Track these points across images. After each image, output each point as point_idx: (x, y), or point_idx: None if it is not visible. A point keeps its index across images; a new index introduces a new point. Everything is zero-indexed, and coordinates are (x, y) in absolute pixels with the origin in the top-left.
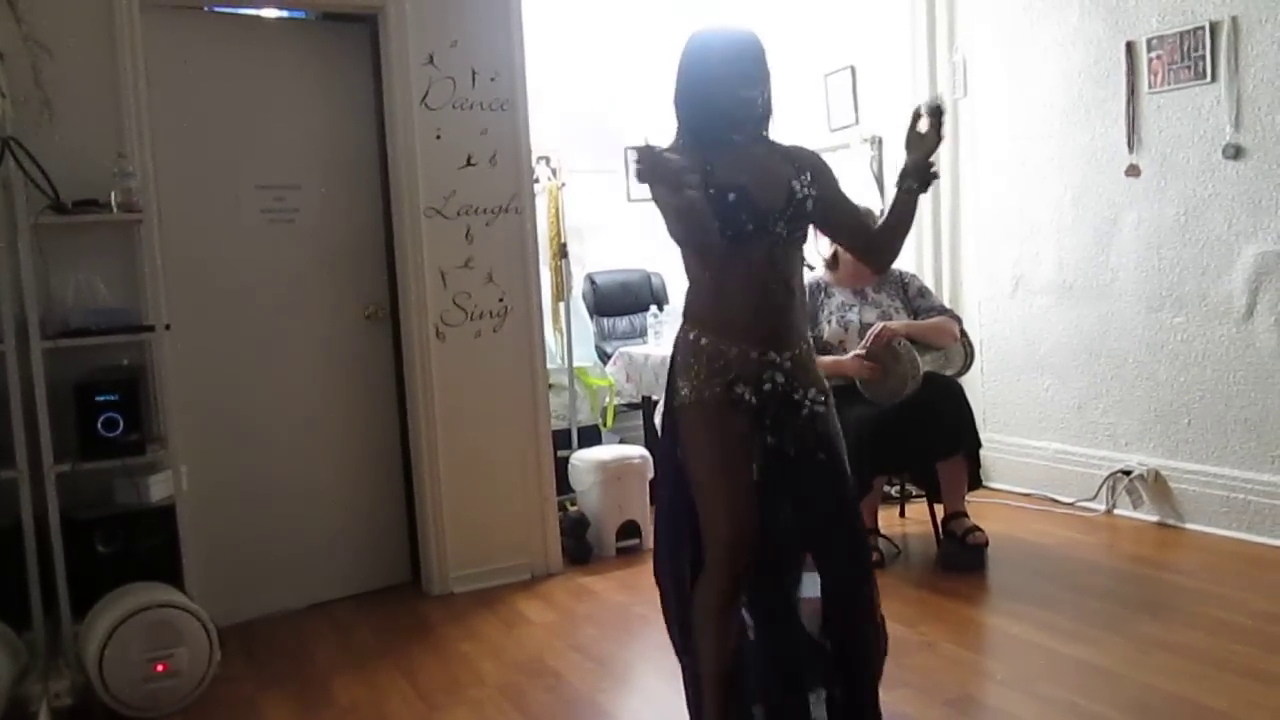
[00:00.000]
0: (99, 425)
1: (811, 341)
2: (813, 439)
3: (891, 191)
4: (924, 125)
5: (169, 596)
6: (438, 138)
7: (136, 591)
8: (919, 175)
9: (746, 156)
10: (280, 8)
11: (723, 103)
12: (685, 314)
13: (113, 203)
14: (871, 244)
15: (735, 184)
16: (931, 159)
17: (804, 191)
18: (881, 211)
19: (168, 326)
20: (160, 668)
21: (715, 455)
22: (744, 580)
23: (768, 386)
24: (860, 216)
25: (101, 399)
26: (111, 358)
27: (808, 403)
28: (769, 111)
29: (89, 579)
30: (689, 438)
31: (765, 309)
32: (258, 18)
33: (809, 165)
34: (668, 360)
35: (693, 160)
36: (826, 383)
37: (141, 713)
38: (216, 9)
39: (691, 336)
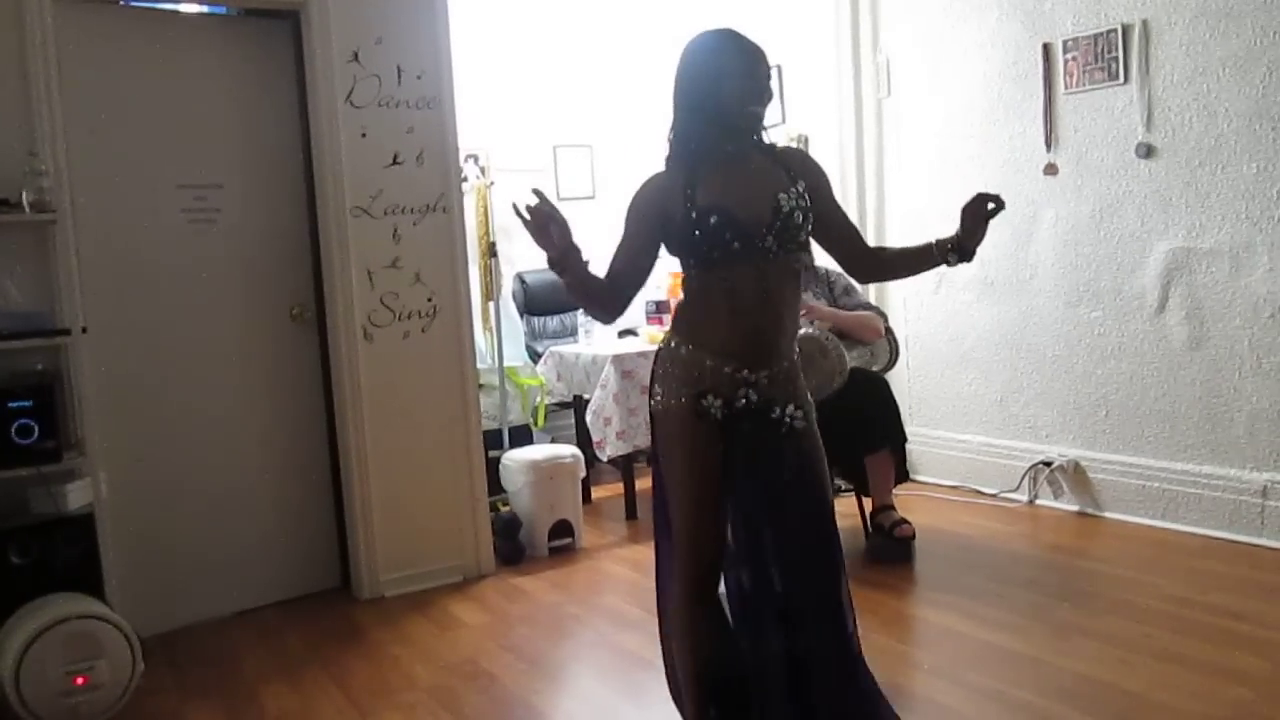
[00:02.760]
0: (12, 432)
1: (796, 357)
2: (792, 457)
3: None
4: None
5: (88, 607)
6: (363, 136)
7: (54, 603)
8: (965, 256)
9: (734, 169)
10: (200, 2)
11: (729, 118)
12: (673, 323)
13: (24, 202)
14: (868, 263)
15: (717, 205)
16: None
17: (791, 203)
18: None
19: (84, 330)
20: (80, 681)
21: (681, 461)
22: (707, 584)
23: (741, 403)
24: (851, 227)
25: (15, 405)
26: (25, 363)
27: (786, 419)
28: (764, 126)
29: (4, 591)
30: (661, 441)
31: (746, 326)
32: (176, 12)
33: (803, 173)
34: (597, 359)
35: (674, 182)
36: (809, 397)
37: None
38: (132, 3)
39: (674, 345)
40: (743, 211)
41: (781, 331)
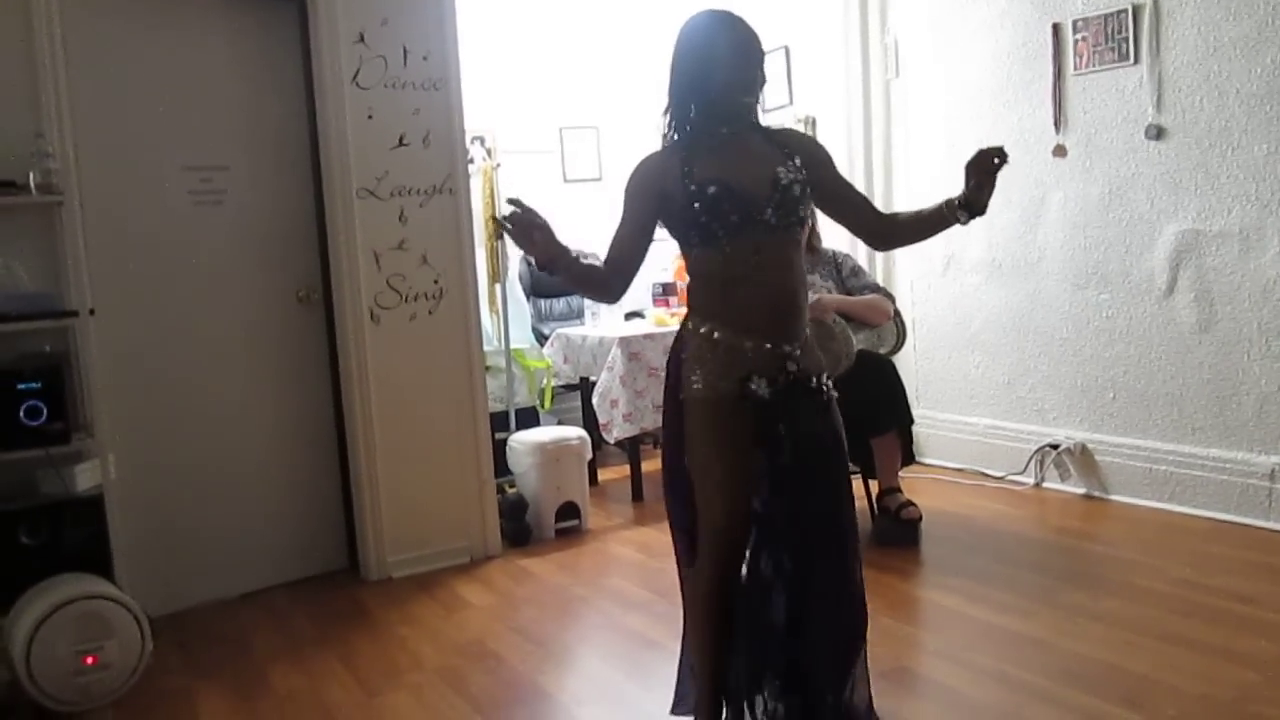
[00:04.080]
0: (21, 414)
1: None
2: (828, 424)
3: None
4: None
5: (98, 587)
6: (369, 118)
7: (64, 583)
8: (975, 210)
9: (731, 148)
10: None
11: (721, 106)
12: (692, 309)
13: (31, 184)
14: (881, 230)
15: (714, 178)
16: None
17: (789, 177)
18: None
19: (92, 311)
20: (90, 660)
21: (715, 448)
22: (732, 571)
23: (782, 378)
24: (861, 198)
25: (23, 387)
26: (33, 344)
27: (824, 388)
28: (759, 102)
29: (14, 572)
30: (695, 427)
31: (773, 300)
32: None
33: (799, 149)
34: (604, 341)
35: (671, 160)
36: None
37: (71, 707)
38: None
39: (704, 330)
40: (740, 185)
41: (800, 301)
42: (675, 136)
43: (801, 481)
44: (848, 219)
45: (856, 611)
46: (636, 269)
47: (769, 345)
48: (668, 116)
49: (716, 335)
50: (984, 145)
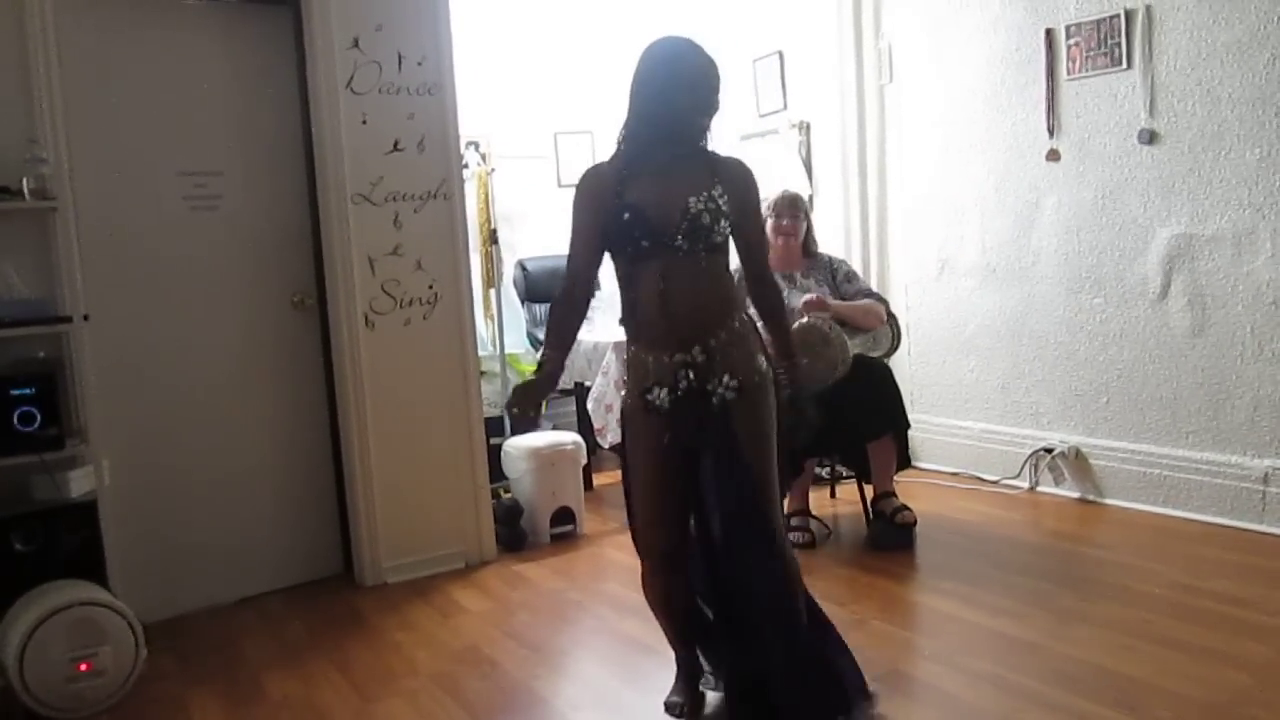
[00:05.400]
0: (15, 420)
1: (745, 320)
2: (722, 429)
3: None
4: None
5: (91, 594)
6: (364, 123)
7: (57, 589)
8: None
9: (663, 172)
10: None
11: (676, 128)
12: (623, 325)
13: (25, 190)
14: (756, 282)
15: (632, 203)
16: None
17: (700, 206)
18: (811, 197)
19: (86, 317)
20: (84, 667)
21: (635, 454)
22: (667, 563)
23: (682, 385)
24: (758, 245)
25: (17, 393)
26: (27, 350)
27: (720, 391)
28: (709, 127)
29: (7, 578)
30: (625, 438)
31: (669, 316)
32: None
33: (728, 180)
34: (599, 346)
35: (610, 175)
36: (760, 360)
37: (65, 714)
38: None
39: (631, 349)
40: (654, 211)
41: (706, 312)
42: (623, 148)
43: (721, 478)
44: (741, 258)
45: (786, 578)
46: (596, 273)
47: (666, 357)
48: (624, 131)
49: (631, 350)
50: (974, 149)
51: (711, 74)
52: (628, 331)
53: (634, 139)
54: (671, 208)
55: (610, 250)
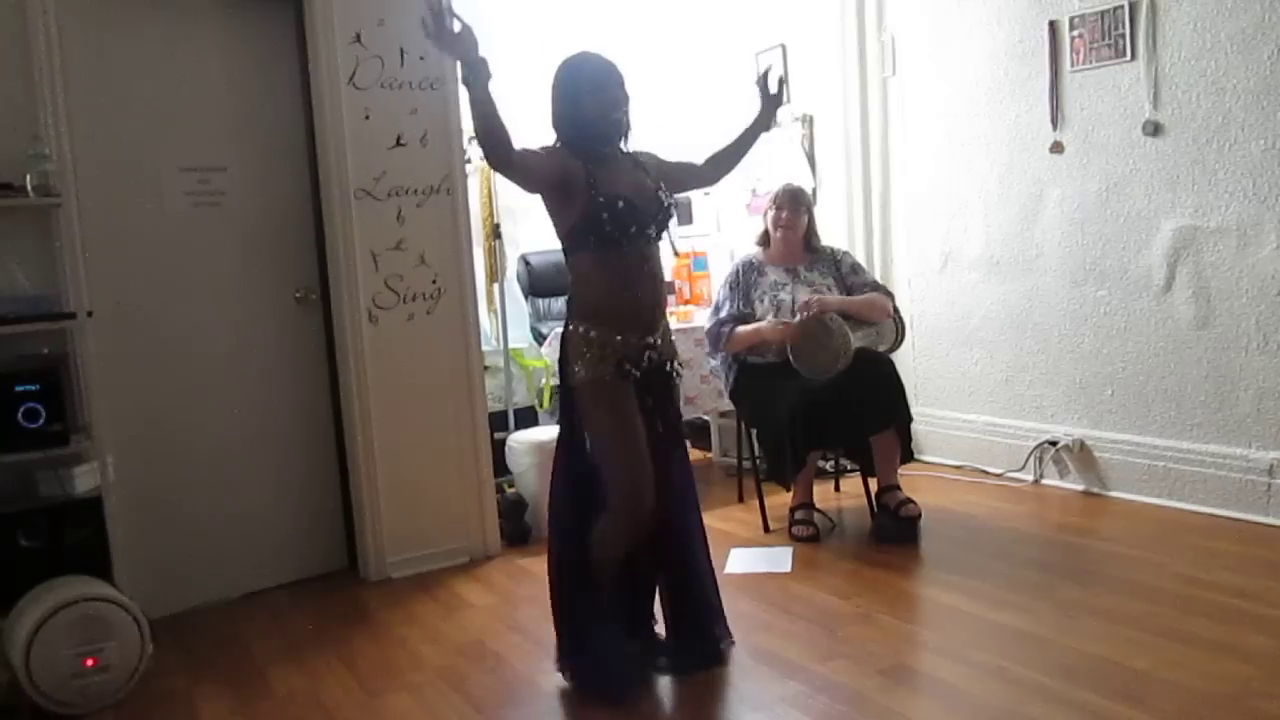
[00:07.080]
0: (19, 416)
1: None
2: (667, 403)
3: (806, 158)
4: (773, 85)
5: (97, 589)
6: (366, 118)
7: (63, 585)
8: (762, 126)
9: (618, 169)
10: None
11: (595, 125)
12: (571, 310)
13: (28, 186)
14: (708, 171)
15: (620, 194)
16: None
17: (668, 199)
18: (814, 190)
19: (90, 313)
20: (90, 662)
21: (613, 419)
22: (643, 532)
23: (645, 363)
24: (689, 164)
25: (21, 389)
26: (31, 346)
27: (673, 370)
28: (629, 128)
29: (13, 574)
30: (587, 405)
31: (644, 301)
32: None
33: (656, 170)
34: None
35: (574, 164)
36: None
37: (71, 709)
38: None
39: (581, 330)
40: (640, 202)
41: (661, 299)
42: (559, 145)
43: (668, 449)
44: (691, 182)
45: (705, 550)
46: (517, 162)
47: (635, 338)
48: (555, 141)
49: (593, 334)
50: (977, 141)
51: (611, 74)
52: (585, 313)
53: (569, 143)
54: (651, 200)
55: (589, 238)
